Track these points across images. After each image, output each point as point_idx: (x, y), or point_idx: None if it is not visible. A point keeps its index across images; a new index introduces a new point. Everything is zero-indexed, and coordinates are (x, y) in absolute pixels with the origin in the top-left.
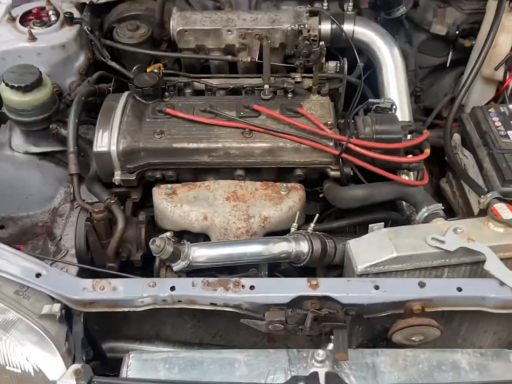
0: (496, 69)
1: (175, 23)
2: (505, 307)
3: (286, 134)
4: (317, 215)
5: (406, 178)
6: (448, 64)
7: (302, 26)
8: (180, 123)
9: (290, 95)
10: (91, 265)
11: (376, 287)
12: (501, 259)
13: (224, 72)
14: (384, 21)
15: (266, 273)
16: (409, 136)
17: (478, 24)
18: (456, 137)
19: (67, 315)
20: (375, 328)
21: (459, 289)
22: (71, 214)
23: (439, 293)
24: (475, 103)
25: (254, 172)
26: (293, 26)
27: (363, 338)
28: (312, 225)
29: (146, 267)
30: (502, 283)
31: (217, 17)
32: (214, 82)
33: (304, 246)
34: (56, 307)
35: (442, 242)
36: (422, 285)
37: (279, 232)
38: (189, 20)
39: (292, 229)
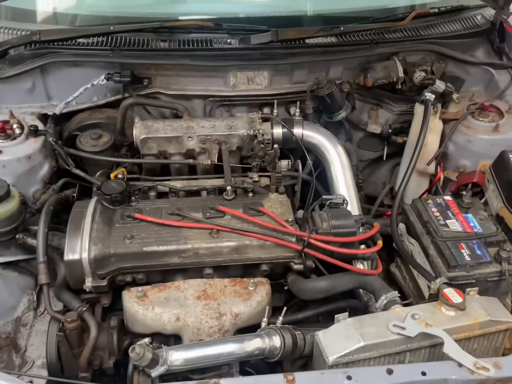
0: (428, 164)
1: (138, 132)
2: None
3: (252, 233)
4: (285, 308)
5: (361, 267)
6: (384, 157)
7: (256, 131)
8: (149, 226)
9: (250, 194)
10: (61, 377)
11: (349, 378)
12: (455, 341)
13: (183, 173)
14: (326, 123)
15: (238, 369)
16: (361, 229)
17: (407, 123)
18: (402, 226)
19: None
20: None
21: (423, 373)
22: (35, 322)
23: (406, 378)
24: (412, 193)
25: (221, 269)
26: (248, 131)
27: None
28: (280, 318)
29: (116, 372)
30: (460, 364)
31: (178, 125)
32: (177, 184)
33: (276, 341)
34: None
35: (403, 328)
36: (390, 372)
37: (249, 328)
38: (152, 128)
39: (263, 324)
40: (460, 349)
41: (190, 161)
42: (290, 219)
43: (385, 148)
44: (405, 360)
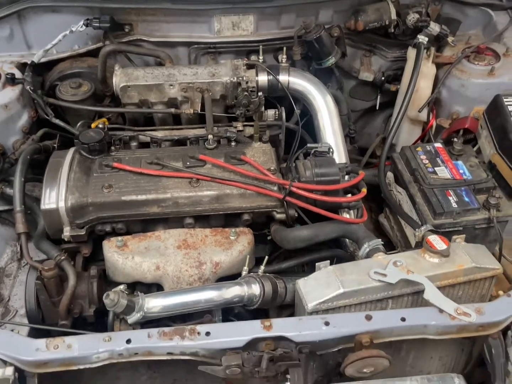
0: (420, 111)
1: (118, 80)
2: (446, 333)
3: (232, 182)
4: (266, 257)
5: (347, 216)
6: (377, 107)
7: (240, 78)
8: (128, 176)
9: (233, 143)
10: (42, 324)
11: (327, 323)
12: (438, 288)
13: (167, 124)
14: (316, 70)
15: (220, 318)
16: (346, 177)
17: (401, 70)
18: (390, 175)
19: (21, 378)
20: (328, 363)
21: (403, 319)
22: (19, 273)
23: (385, 324)
24: (404, 142)
25: (203, 219)
26: (232, 78)
27: (318, 374)
28: (262, 267)
29: (99, 321)
30: (441, 310)
31: (159, 73)
32: (159, 134)
33: (255, 289)
34: (9, 371)
35: (384, 275)
36: (368, 318)
37: (231, 277)
38: (132, 76)
39: (244, 273)
40: (441, 295)
41: (172, 110)
42: (272, 168)
43: (378, 97)
44: (387, 307)
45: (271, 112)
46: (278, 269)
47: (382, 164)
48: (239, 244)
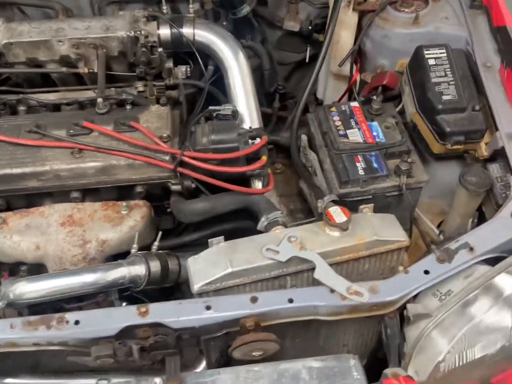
0: (340, 65)
1: (1, 36)
2: (337, 313)
3: (118, 151)
4: (160, 232)
5: (260, 185)
6: (307, 60)
7: (138, 32)
8: (4, 146)
9: (128, 107)
10: None
11: (208, 308)
12: (339, 263)
13: (70, 84)
14: (233, 21)
15: (117, 297)
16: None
17: None
18: (304, 138)
19: None
20: (221, 345)
21: (290, 301)
22: None
23: (271, 306)
24: (330, 99)
25: (92, 193)
26: (129, 33)
27: (217, 354)
28: (156, 243)
29: None
30: (332, 290)
31: (46, 27)
32: (52, 97)
33: (139, 269)
34: None
35: (276, 252)
36: (254, 300)
37: (123, 254)
38: (15, 32)
39: (133, 251)
40: (333, 273)
41: (64, 69)
42: (164, 135)
43: (308, 48)
44: (286, 285)
45: (181, 69)
46: (180, 243)
47: (294, 126)
48: (130, 219)
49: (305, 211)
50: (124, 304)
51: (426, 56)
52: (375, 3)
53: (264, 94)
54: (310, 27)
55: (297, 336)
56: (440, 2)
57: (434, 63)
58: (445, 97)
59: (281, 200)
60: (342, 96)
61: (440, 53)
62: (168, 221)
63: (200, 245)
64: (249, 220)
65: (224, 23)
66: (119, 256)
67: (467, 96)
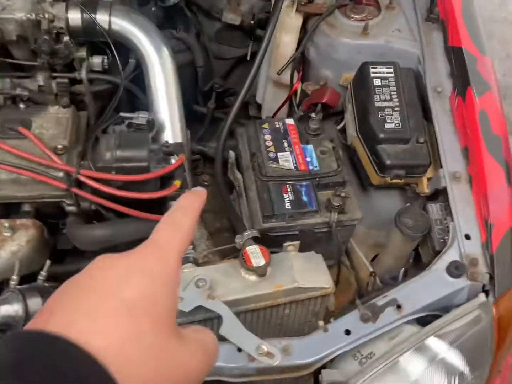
0: (278, 73)
1: None
2: (243, 375)
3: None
4: (48, 261)
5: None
6: (248, 57)
7: (41, 15)
8: None
9: (22, 106)
10: None
11: None
12: (254, 310)
13: None
14: (164, 9)
15: None
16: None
17: None
18: (231, 154)
19: None
20: None
21: None
22: None
23: None
24: (269, 108)
25: None
26: (29, 15)
27: None
28: (43, 273)
29: None
30: (239, 349)
31: None
32: None
33: (13, 309)
34: None
35: (181, 299)
36: None
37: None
38: None
39: (12, 284)
40: (242, 330)
41: None
42: (60, 146)
43: (250, 44)
44: None
45: (97, 60)
46: (76, 270)
47: (221, 141)
48: (13, 243)
49: (234, 230)
50: None
51: (372, 75)
52: (322, 6)
53: (201, 92)
54: (252, 22)
55: None
56: (394, 11)
57: (380, 84)
58: (388, 125)
59: (206, 216)
60: (280, 107)
61: (388, 72)
62: (68, 241)
63: None
64: None
65: (153, 9)
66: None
67: (412, 125)
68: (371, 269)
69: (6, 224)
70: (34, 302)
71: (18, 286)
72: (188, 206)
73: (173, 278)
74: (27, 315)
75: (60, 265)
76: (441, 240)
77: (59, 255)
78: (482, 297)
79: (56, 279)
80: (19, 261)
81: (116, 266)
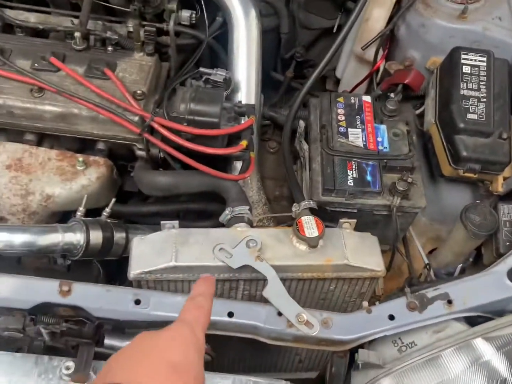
0: (363, 49)
1: None
2: (280, 339)
3: (82, 100)
4: (114, 199)
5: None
6: (335, 29)
7: None
8: None
9: (110, 48)
10: None
11: (137, 302)
12: (300, 279)
13: (62, 8)
14: None
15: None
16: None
17: None
18: (301, 124)
19: None
20: None
21: (230, 314)
22: None
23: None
24: (348, 82)
25: (52, 139)
26: None
27: None
28: (107, 210)
29: None
30: (280, 313)
31: None
32: (34, 18)
33: (76, 238)
34: None
35: (230, 255)
36: None
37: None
38: None
39: (78, 214)
40: (285, 295)
41: None
42: (139, 91)
43: (339, 17)
44: (238, 288)
45: (185, 14)
46: (137, 212)
47: (293, 110)
48: (84, 177)
49: (293, 199)
50: (68, 262)
51: (462, 61)
52: None
53: (281, 59)
54: None
55: (247, 349)
56: None
57: (469, 71)
58: (470, 116)
59: (267, 183)
60: (360, 83)
61: (480, 61)
62: (134, 184)
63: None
64: (219, 204)
65: None
66: (69, 213)
67: (497, 119)
68: (426, 261)
69: (80, 159)
70: (95, 235)
71: (83, 218)
72: (206, 292)
73: (201, 346)
74: (87, 245)
75: (124, 205)
76: (508, 243)
77: (125, 196)
78: None
79: (119, 217)
80: (87, 195)
81: (162, 337)
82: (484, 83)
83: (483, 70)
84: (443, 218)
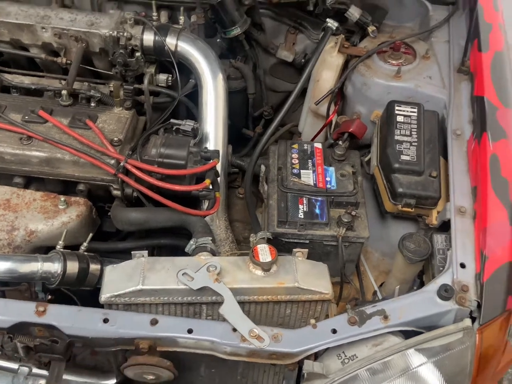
0: (316, 104)
1: None
2: (235, 354)
3: (64, 146)
4: (91, 234)
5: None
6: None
7: (121, 33)
8: None
9: (93, 104)
10: None
11: (105, 320)
12: (258, 303)
13: (53, 71)
14: (228, 40)
15: (40, 289)
16: None
17: None
18: (263, 168)
19: None
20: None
21: (190, 331)
22: None
23: (168, 332)
24: (308, 134)
25: (38, 182)
26: (111, 32)
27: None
28: (84, 244)
29: None
30: (234, 329)
31: (33, 12)
32: (28, 80)
33: (54, 267)
34: None
35: (191, 278)
36: (154, 322)
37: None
38: (3, 11)
39: (57, 247)
40: (240, 312)
41: (43, 55)
42: (116, 139)
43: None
44: (201, 312)
45: (162, 77)
46: (112, 249)
47: (254, 156)
48: (65, 215)
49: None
50: (49, 296)
51: (396, 112)
52: (362, 49)
53: (252, 118)
54: (303, 60)
55: (212, 367)
56: (429, 60)
57: (402, 120)
58: (403, 157)
59: (237, 225)
60: (316, 135)
61: (411, 111)
62: (112, 224)
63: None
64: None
65: (218, 40)
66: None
67: (427, 160)
68: (376, 288)
69: (62, 199)
70: (72, 265)
71: (62, 250)
72: None
73: None
74: (64, 274)
75: (102, 242)
76: (441, 269)
77: (104, 236)
78: (467, 322)
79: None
80: (67, 230)
81: None
82: (415, 130)
83: (414, 119)
84: (392, 253)
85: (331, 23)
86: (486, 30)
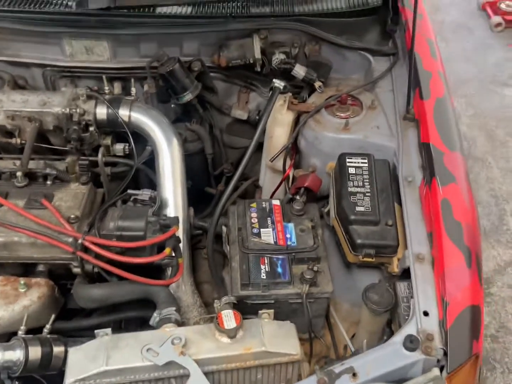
0: (271, 161)
1: None
2: None
3: (20, 228)
4: (53, 315)
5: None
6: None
7: (73, 110)
8: None
9: (49, 182)
10: None
11: None
12: (228, 371)
13: (12, 152)
14: (181, 106)
15: (6, 376)
16: None
17: None
18: (224, 229)
19: None
20: None
21: None
22: None
23: None
24: (268, 189)
25: None
26: (64, 109)
27: None
28: (48, 326)
29: None
30: None
31: None
32: None
33: (15, 355)
34: None
35: (156, 354)
36: None
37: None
38: None
39: (19, 333)
40: None
41: None
42: (73, 216)
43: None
44: None
45: (119, 147)
46: (77, 327)
47: (215, 217)
48: (26, 298)
49: None
50: (16, 383)
51: (348, 164)
52: (310, 105)
53: (214, 176)
54: (257, 117)
55: None
56: (375, 110)
57: (354, 172)
58: (358, 208)
59: (205, 287)
60: (275, 190)
61: (362, 162)
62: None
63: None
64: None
65: (173, 105)
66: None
67: (382, 209)
68: (349, 343)
69: (22, 282)
70: (34, 351)
71: (23, 336)
72: None
73: None
74: (27, 361)
75: (66, 321)
76: (406, 317)
77: (69, 314)
78: (435, 371)
79: (62, 334)
80: (27, 314)
81: None
82: (367, 180)
83: (365, 170)
84: (361, 302)
85: (278, 83)
86: (426, 78)
